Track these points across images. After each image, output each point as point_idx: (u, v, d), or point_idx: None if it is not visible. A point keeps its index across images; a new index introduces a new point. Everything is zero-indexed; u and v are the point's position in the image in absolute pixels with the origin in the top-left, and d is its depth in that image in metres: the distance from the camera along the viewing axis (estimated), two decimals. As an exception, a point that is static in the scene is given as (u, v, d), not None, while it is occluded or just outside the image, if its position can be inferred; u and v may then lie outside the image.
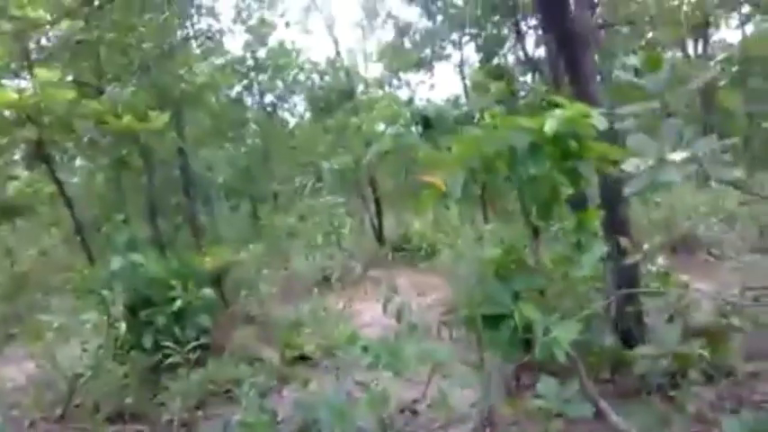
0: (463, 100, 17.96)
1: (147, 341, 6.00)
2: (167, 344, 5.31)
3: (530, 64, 16.95)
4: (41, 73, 7.00)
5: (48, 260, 7.86)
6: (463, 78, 19.73)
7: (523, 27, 16.48)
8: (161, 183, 9.49)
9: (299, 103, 20.38)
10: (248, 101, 18.62)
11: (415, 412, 4.00)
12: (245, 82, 18.15)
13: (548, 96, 8.20)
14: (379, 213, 15.03)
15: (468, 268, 4.95)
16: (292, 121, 20.41)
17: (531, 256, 4.26)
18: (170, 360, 5.60)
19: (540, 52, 16.17)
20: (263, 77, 18.04)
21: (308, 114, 20.64)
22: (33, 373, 5.36)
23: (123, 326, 5.40)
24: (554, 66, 10.76)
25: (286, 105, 20.18)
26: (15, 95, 6.90)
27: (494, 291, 4.19)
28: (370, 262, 12.12)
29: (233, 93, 17.51)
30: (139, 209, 9.24)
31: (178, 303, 6.27)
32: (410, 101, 18.77)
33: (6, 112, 7.33)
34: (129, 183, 9.26)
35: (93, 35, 8.50)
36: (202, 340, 6.20)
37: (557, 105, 3.74)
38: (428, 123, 16.17)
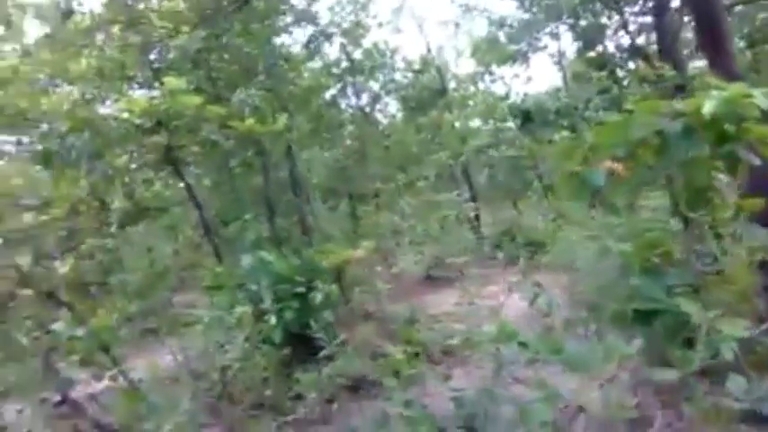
0: (563, 92, 17.41)
1: (277, 336, 6.22)
2: (319, 335, 5.47)
3: (634, 51, 16.14)
4: (170, 81, 7.42)
5: (179, 258, 8.40)
6: (562, 70, 19.13)
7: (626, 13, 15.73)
8: (273, 184, 9.84)
9: (391, 102, 20.55)
10: (343, 103, 18.95)
11: (582, 409, 3.86)
12: (340, 85, 18.51)
13: (695, 78, 7.70)
14: (477, 209, 14.85)
15: (605, 262, 4.76)
16: (384, 122, 20.61)
17: (683, 248, 4.02)
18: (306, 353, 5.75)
19: (641, 40, 15.42)
20: (358, 78, 18.28)
21: (399, 114, 20.77)
22: (176, 365, 5.67)
23: (273, 319, 5.62)
24: (668, 50, 10.19)
25: (378, 106, 20.39)
26: (146, 103, 7.38)
27: (643, 285, 3.99)
28: (473, 258, 11.98)
29: (328, 95, 17.90)
30: (254, 209, 9.63)
31: (305, 299, 6.46)
32: (506, 95, 18.43)
33: (138, 120, 7.85)
34: (244, 185, 9.68)
35: (212, 44, 8.94)
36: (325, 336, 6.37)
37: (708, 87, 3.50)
38: (527, 117, 15.82)
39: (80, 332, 4.09)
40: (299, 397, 5.53)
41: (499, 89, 19.81)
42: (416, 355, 6.41)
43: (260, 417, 5.01)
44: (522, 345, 3.37)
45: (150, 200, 7.89)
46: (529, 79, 26.55)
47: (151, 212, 8.09)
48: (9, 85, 14.78)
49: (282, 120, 7.16)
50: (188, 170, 11.00)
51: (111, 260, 7.11)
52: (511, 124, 16.18)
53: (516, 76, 20.17)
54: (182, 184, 7.84)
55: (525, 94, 17.28)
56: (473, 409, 3.45)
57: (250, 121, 7.04)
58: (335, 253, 8.13)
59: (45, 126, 6.54)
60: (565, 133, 14.61)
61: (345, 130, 18.35)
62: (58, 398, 4.29)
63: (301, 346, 6.37)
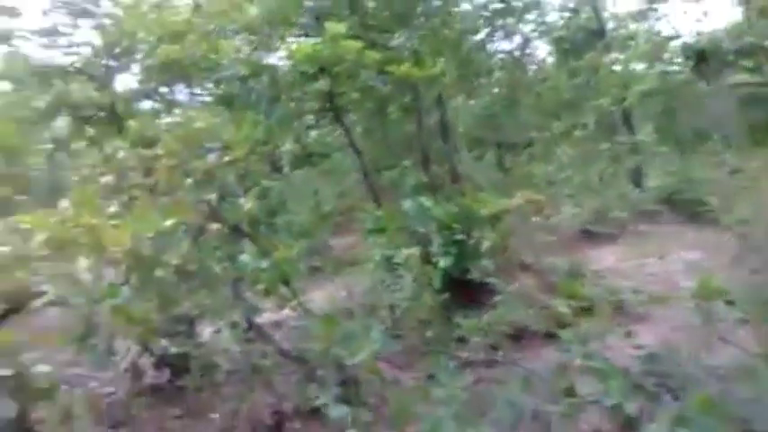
0: (745, 29, 15.29)
1: (438, 280, 6.24)
2: (483, 281, 5.40)
3: None
4: (331, 26, 7.50)
5: (340, 202, 8.74)
6: (744, 4, 16.77)
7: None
8: (425, 131, 9.74)
9: (542, 46, 19.40)
10: (492, 47, 18.21)
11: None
12: (489, 28, 17.74)
13: None
14: (641, 161, 13.72)
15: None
16: (535, 67, 19.55)
17: None
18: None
19: None
20: (508, 20, 17.40)
21: (550, 59, 19.58)
22: (342, 300, 5.91)
23: (442, 261, 5.65)
24: None
25: (528, 50, 19.34)
26: (309, 49, 7.52)
27: None
28: (636, 214, 11.16)
29: (477, 39, 17.26)
30: (406, 156, 9.65)
31: (464, 245, 6.39)
32: (675, 34, 16.60)
33: (301, 67, 8.04)
34: (397, 131, 9.70)
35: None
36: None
37: None
38: (701, 58, 14.15)
39: (264, 264, 4.34)
40: (460, 340, 5.54)
41: (665, 29, 17.88)
42: (584, 309, 6.16)
43: (429, 354, 5.08)
44: (730, 303, 3.01)
45: (314, 145, 8.18)
46: (705, 14, 23.61)
47: (315, 157, 8.43)
48: (184, 37, 15.98)
49: (440, 64, 6.98)
50: (347, 117, 11.27)
51: (278, 201, 7.49)
52: (680, 67, 14.59)
53: (686, 12, 18.01)
54: (341, 131, 8.00)
55: (698, 33, 15.42)
56: (667, 368, 3.17)
57: (407, 66, 6.95)
58: (492, 202, 7.94)
59: (222, 74, 6.89)
60: (745, 76, 12.90)
61: (493, 76, 17.70)
62: (245, 324, 4.62)
63: (460, 291, 6.35)
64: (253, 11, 10.22)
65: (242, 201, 4.59)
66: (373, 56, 7.46)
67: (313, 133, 8.16)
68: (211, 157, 5.33)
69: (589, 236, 9.95)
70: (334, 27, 7.42)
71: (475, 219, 7.11)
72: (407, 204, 6.39)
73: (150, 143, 5.69)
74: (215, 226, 4.88)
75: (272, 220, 7.14)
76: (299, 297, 4.50)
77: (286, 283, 4.48)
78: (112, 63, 20.39)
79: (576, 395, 3.09)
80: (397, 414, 2.54)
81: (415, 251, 5.03)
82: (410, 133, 9.66)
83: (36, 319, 3.88)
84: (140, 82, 21.15)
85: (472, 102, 16.38)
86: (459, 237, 6.53)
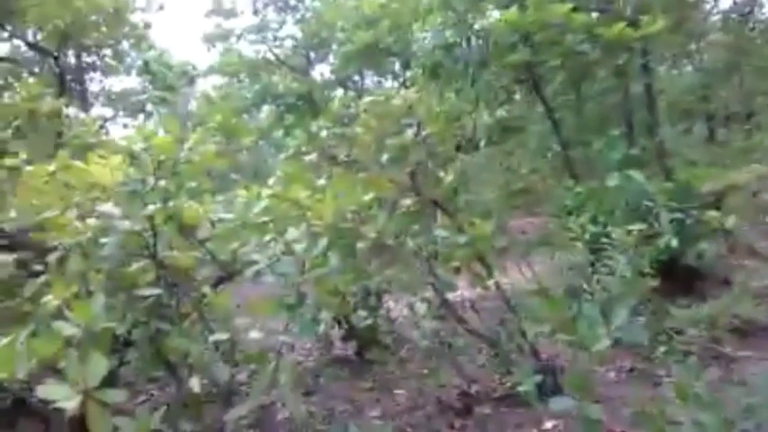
0: None
1: (649, 264, 5.59)
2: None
3: None
4: (538, -10, 6.95)
5: (531, 179, 8.31)
6: None
7: None
8: (630, 101, 8.82)
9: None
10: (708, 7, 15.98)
11: None
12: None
13: None
14: None
15: None
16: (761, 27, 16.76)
17: None
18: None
19: None
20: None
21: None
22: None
23: (663, 242, 5.09)
24: None
25: (753, 8, 16.63)
26: (514, 16, 7.04)
27: None
28: None
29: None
30: (608, 127, 8.83)
31: (682, 225, 5.65)
32: None
33: (501, 37, 7.61)
34: (600, 101, 8.87)
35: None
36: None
37: None
38: None
39: (461, 240, 4.19)
40: (673, 333, 4.89)
41: None
42: None
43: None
44: None
45: (510, 118, 7.84)
46: None
47: (511, 131, 8.06)
48: (378, 23, 16.52)
49: (659, 20, 6.17)
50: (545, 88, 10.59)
51: (461, 179, 7.26)
52: None
53: None
54: (536, 104, 7.54)
55: None
56: None
57: (621, 26, 6.24)
58: (714, 178, 6.95)
59: (431, 42, 6.66)
60: None
61: (710, 37, 15.55)
62: (437, 300, 4.54)
63: (673, 277, 5.65)
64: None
65: (441, 174, 4.48)
66: (581, 18, 6.84)
67: (503, 108, 7.78)
68: (408, 133, 5.32)
69: None
70: (541, -9, 6.89)
71: (694, 196, 6.26)
72: (615, 179, 5.79)
73: (349, 121, 5.87)
74: (409, 200, 4.84)
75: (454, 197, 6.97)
76: (493, 275, 4.28)
77: (481, 260, 4.29)
78: (311, 54, 22.01)
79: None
80: (638, 416, 2.20)
81: (633, 230, 4.50)
82: (610, 105, 8.82)
83: (247, 287, 4.15)
84: (334, 71, 22.56)
85: (681, 68, 14.59)
86: (677, 215, 5.78)
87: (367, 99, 6.31)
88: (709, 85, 14.82)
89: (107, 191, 3.16)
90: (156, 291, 2.79)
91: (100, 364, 2.07)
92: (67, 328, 2.27)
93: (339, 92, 23.25)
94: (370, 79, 23.49)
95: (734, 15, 15.36)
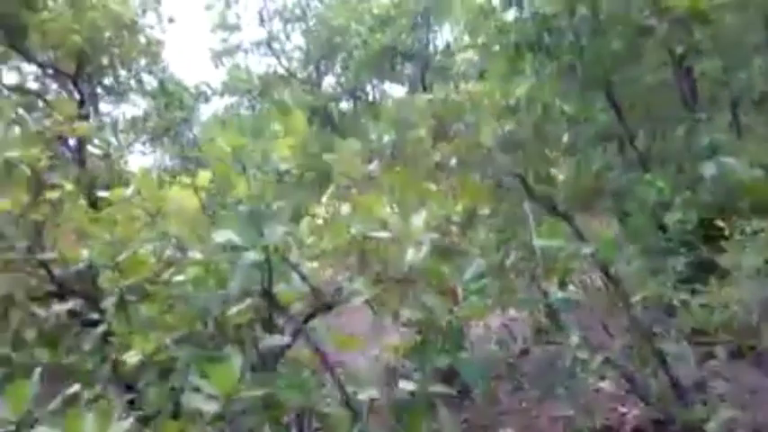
0: None
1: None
2: None
3: None
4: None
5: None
6: None
7: None
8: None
9: None
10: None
11: None
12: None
13: None
14: None
15: None
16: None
17: None
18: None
19: None
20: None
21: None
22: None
23: None
24: None
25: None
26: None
27: None
28: None
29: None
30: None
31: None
32: None
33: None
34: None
35: None
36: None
37: None
38: None
39: (585, 249, 3.58)
40: None
41: None
42: None
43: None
44: None
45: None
46: None
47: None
48: (393, 23, 15.85)
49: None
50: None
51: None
52: None
53: None
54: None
55: None
56: None
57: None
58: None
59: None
60: None
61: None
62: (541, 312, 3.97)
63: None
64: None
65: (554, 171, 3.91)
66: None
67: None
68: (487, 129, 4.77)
69: None
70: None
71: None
72: (711, 168, 5.14)
73: (408, 125, 5.33)
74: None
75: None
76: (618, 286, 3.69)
77: (604, 270, 3.71)
78: (321, 65, 21.46)
79: None
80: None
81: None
82: (663, 87, 8.07)
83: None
84: (342, 82, 21.98)
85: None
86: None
87: (423, 97, 5.74)
88: None
89: (190, 218, 2.58)
90: (278, 339, 2.21)
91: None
92: (201, 402, 1.68)
93: (347, 103, 22.73)
94: (377, 88, 22.87)
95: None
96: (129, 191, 2.75)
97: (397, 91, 22.69)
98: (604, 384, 4.23)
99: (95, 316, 3.71)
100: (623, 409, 4.27)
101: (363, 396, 2.11)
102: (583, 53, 5.13)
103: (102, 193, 2.85)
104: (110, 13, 8.99)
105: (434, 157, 4.88)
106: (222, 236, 2.04)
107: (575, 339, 3.07)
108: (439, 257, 2.70)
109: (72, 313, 3.97)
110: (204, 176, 2.68)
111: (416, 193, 3.27)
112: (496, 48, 5.68)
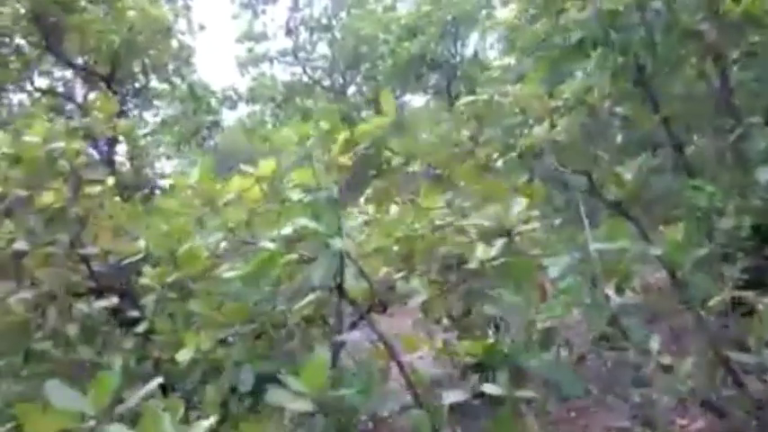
0: None
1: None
2: None
3: None
4: None
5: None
6: None
7: None
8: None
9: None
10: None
11: None
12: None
13: None
14: None
15: None
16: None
17: None
18: None
19: None
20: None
21: None
22: None
23: None
24: None
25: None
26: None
27: None
28: None
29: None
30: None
31: None
32: None
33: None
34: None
35: None
36: None
37: None
38: None
39: (652, 250, 3.39)
40: None
41: None
42: None
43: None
44: None
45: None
46: None
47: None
48: (422, 32, 15.75)
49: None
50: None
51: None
52: None
53: None
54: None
55: None
56: None
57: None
58: None
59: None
60: None
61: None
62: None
63: None
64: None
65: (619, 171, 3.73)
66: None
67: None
68: (538, 130, 4.61)
69: None
70: None
71: None
72: (764, 173, 4.95)
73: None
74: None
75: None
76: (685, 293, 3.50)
77: (672, 274, 3.52)
78: (346, 74, 21.48)
79: None
80: None
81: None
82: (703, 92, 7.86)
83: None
84: (363, 92, 21.96)
85: None
86: None
87: (464, 100, 5.62)
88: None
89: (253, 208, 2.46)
90: (357, 335, 2.07)
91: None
92: (288, 400, 1.54)
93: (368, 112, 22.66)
94: (398, 99, 22.79)
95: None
96: (191, 180, 2.63)
97: (416, 101, 22.65)
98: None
99: (134, 313, 3.61)
100: (682, 422, 4.06)
101: (449, 400, 1.95)
102: (656, 49, 4.96)
103: (164, 181, 2.74)
104: (147, 16, 9.03)
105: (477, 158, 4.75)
106: (298, 223, 1.90)
107: (654, 345, 2.86)
108: (516, 254, 2.54)
109: (110, 310, 3.87)
110: (267, 166, 2.55)
111: (484, 191, 3.10)
112: (547, 50, 5.54)
